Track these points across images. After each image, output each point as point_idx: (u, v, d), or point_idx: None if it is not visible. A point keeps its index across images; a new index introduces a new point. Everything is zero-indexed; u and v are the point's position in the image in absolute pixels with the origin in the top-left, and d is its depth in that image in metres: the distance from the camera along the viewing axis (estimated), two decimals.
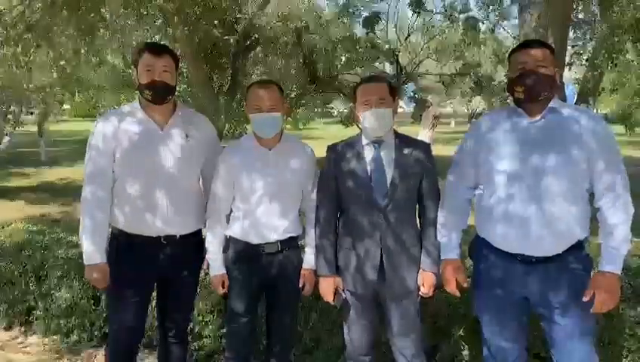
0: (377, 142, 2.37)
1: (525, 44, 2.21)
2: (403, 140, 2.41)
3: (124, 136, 2.39)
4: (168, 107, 2.46)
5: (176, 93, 2.49)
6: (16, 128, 13.61)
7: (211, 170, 2.53)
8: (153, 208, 2.42)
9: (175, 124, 2.47)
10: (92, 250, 2.39)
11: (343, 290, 2.43)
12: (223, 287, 2.50)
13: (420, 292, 2.37)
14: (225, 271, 2.50)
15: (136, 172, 2.40)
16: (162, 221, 2.43)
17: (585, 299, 2.05)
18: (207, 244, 2.53)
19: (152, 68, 2.35)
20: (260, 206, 2.44)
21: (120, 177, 2.42)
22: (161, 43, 4.13)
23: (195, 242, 2.57)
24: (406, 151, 2.37)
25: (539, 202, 2.06)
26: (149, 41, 7.86)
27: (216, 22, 7.41)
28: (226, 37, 7.55)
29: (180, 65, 2.99)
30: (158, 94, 2.38)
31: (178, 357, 2.68)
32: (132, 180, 2.41)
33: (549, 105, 2.12)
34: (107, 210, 2.43)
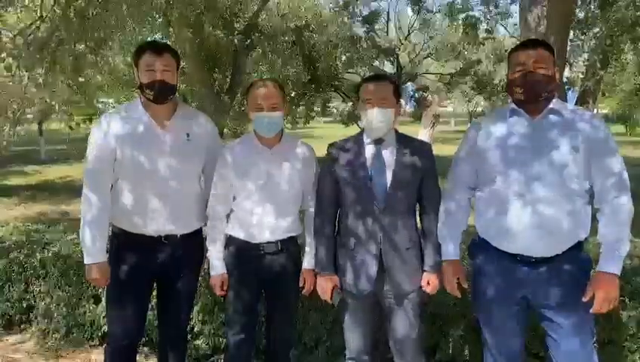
0: (378, 142, 2.37)
1: (524, 44, 2.20)
2: (404, 140, 2.41)
3: (125, 136, 2.39)
4: (169, 106, 2.46)
5: (178, 92, 2.49)
6: (17, 127, 13.57)
7: (213, 169, 2.53)
8: (154, 207, 2.42)
9: (176, 123, 2.47)
10: (92, 249, 2.39)
11: (341, 289, 2.42)
12: (222, 288, 2.50)
13: (424, 292, 2.38)
14: (225, 272, 2.50)
15: (137, 171, 2.40)
16: (163, 220, 2.43)
17: (584, 299, 2.05)
18: (207, 244, 2.52)
19: (152, 67, 2.34)
20: (260, 205, 2.44)
21: (121, 176, 2.42)
22: (162, 41, 4.13)
23: (195, 241, 2.57)
24: (407, 151, 2.36)
25: (538, 203, 2.05)
26: (149, 39, 7.87)
27: (217, 22, 7.41)
28: (227, 38, 7.54)
29: (181, 64, 2.99)
30: (159, 94, 2.37)
31: (178, 356, 2.67)
32: (133, 179, 2.41)
33: (550, 105, 2.12)
34: (107, 209, 2.43)
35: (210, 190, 2.52)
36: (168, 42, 8.19)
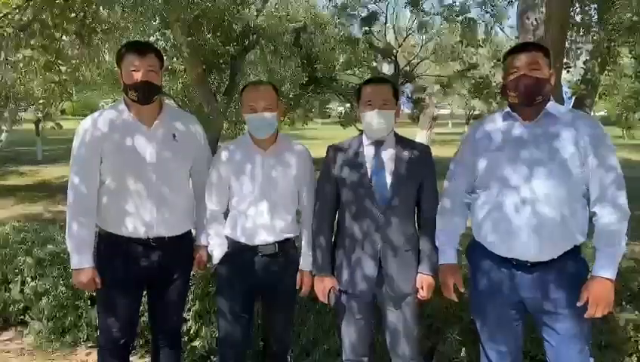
0: (378, 144, 2.37)
1: (519, 47, 2.19)
2: (403, 143, 2.41)
3: (110, 137, 2.35)
4: (154, 107, 2.42)
5: (175, 93, 2.48)
6: (12, 127, 13.54)
7: (201, 169, 2.52)
8: (141, 209, 2.38)
9: (162, 123, 2.43)
10: (79, 255, 2.36)
11: (339, 291, 2.42)
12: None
13: (418, 295, 2.37)
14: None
15: (123, 173, 2.36)
16: (150, 222, 2.39)
17: (579, 303, 2.04)
18: (209, 239, 2.52)
19: (136, 68, 2.30)
20: (256, 207, 2.43)
21: (107, 179, 2.38)
22: (147, 41, 4.08)
23: (184, 243, 2.54)
24: (406, 153, 2.37)
25: (534, 207, 2.05)
26: (148, 40, 7.84)
27: (214, 24, 7.40)
28: (225, 46, 7.53)
29: (179, 64, 2.98)
30: (144, 94, 2.33)
31: (171, 358, 2.64)
32: (119, 181, 2.37)
33: (545, 108, 2.12)
34: (94, 213, 2.39)
35: (201, 190, 2.51)
36: (166, 45, 8.19)
